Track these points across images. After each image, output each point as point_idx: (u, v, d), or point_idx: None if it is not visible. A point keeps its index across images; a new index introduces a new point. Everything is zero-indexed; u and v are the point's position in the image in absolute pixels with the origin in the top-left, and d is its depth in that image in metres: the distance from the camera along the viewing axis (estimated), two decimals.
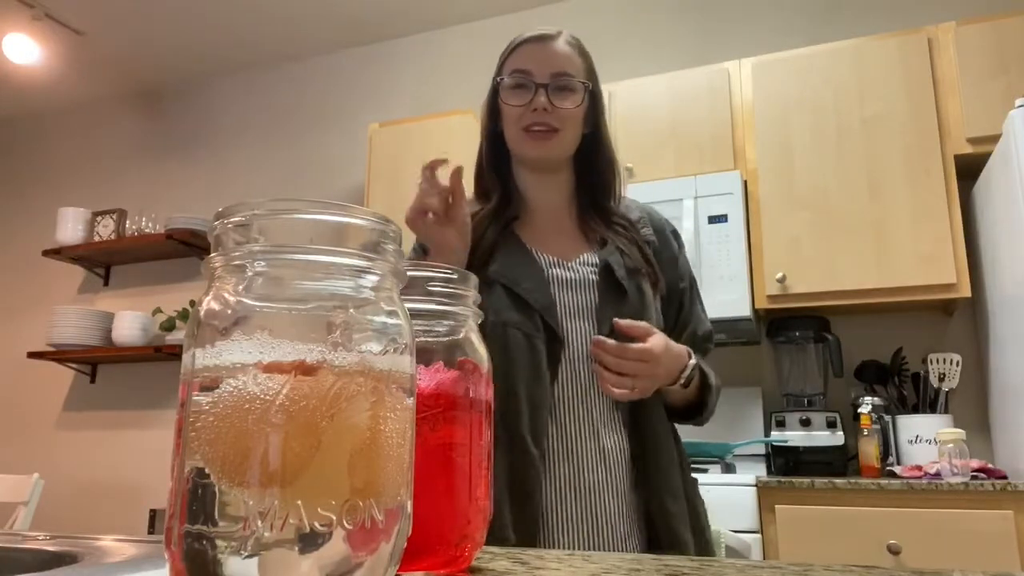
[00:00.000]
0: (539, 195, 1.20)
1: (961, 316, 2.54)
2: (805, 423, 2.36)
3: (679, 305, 1.20)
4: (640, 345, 1.01)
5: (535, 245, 1.14)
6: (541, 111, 1.11)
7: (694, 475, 1.15)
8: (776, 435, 2.37)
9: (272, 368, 0.36)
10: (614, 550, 1.01)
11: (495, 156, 1.21)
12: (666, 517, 1.03)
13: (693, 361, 1.10)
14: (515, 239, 1.14)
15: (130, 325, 3.51)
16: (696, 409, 1.16)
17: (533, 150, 1.14)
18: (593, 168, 1.20)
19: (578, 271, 1.12)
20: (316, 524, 0.35)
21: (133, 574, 0.50)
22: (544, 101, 1.11)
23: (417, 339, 0.44)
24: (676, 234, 1.25)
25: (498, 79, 1.17)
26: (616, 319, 1.04)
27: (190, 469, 0.36)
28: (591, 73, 1.18)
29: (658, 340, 1.03)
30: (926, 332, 2.55)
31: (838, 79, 2.53)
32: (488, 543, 0.57)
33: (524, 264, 1.11)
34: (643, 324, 1.04)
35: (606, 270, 1.11)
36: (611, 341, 1.01)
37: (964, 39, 2.42)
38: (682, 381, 1.08)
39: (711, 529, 1.15)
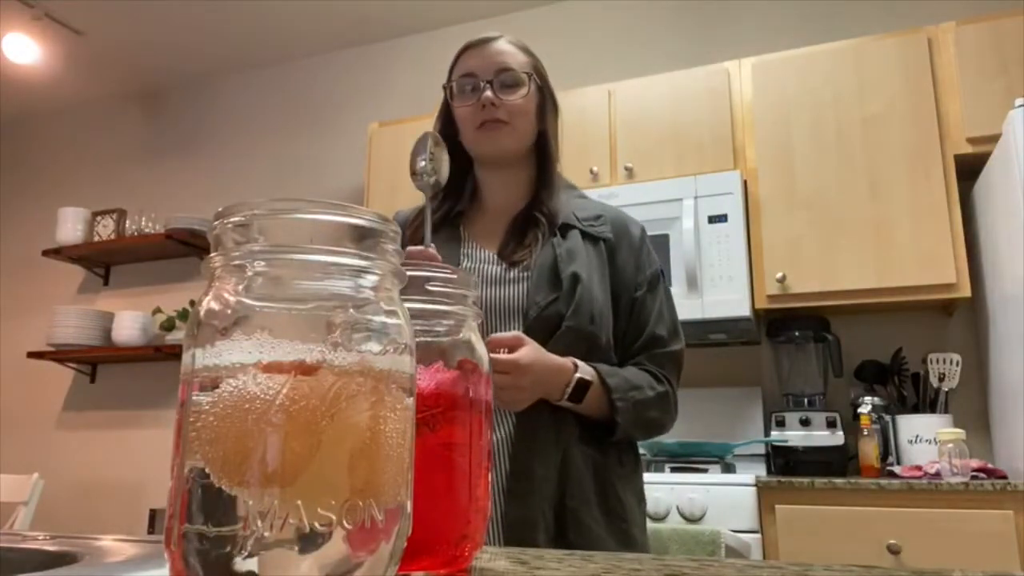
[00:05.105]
0: (496, 193, 1.22)
1: (961, 316, 2.54)
2: (805, 423, 2.36)
3: (631, 303, 1.16)
4: (504, 356, 0.96)
5: (478, 240, 1.18)
6: (489, 106, 1.14)
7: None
8: (776, 435, 2.37)
9: (272, 368, 0.36)
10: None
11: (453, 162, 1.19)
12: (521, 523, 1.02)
13: (579, 375, 1.04)
14: (454, 232, 1.19)
15: (130, 325, 3.51)
16: (609, 427, 1.09)
17: (486, 144, 1.16)
18: (545, 167, 1.22)
19: (514, 267, 1.13)
20: (316, 524, 0.35)
21: (133, 574, 0.50)
22: (491, 96, 1.14)
23: (417, 339, 0.44)
24: (642, 231, 1.22)
25: (446, 85, 1.21)
26: (492, 335, 1.01)
27: (190, 469, 0.36)
28: (539, 72, 1.20)
29: (526, 352, 0.99)
30: (926, 332, 2.55)
31: (838, 79, 2.52)
32: None
33: (451, 256, 1.15)
34: (512, 335, 1.00)
35: (541, 267, 1.11)
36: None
37: (964, 39, 2.42)
38: (567, 396, 1.04)
39: (644, 533, 1.11)
